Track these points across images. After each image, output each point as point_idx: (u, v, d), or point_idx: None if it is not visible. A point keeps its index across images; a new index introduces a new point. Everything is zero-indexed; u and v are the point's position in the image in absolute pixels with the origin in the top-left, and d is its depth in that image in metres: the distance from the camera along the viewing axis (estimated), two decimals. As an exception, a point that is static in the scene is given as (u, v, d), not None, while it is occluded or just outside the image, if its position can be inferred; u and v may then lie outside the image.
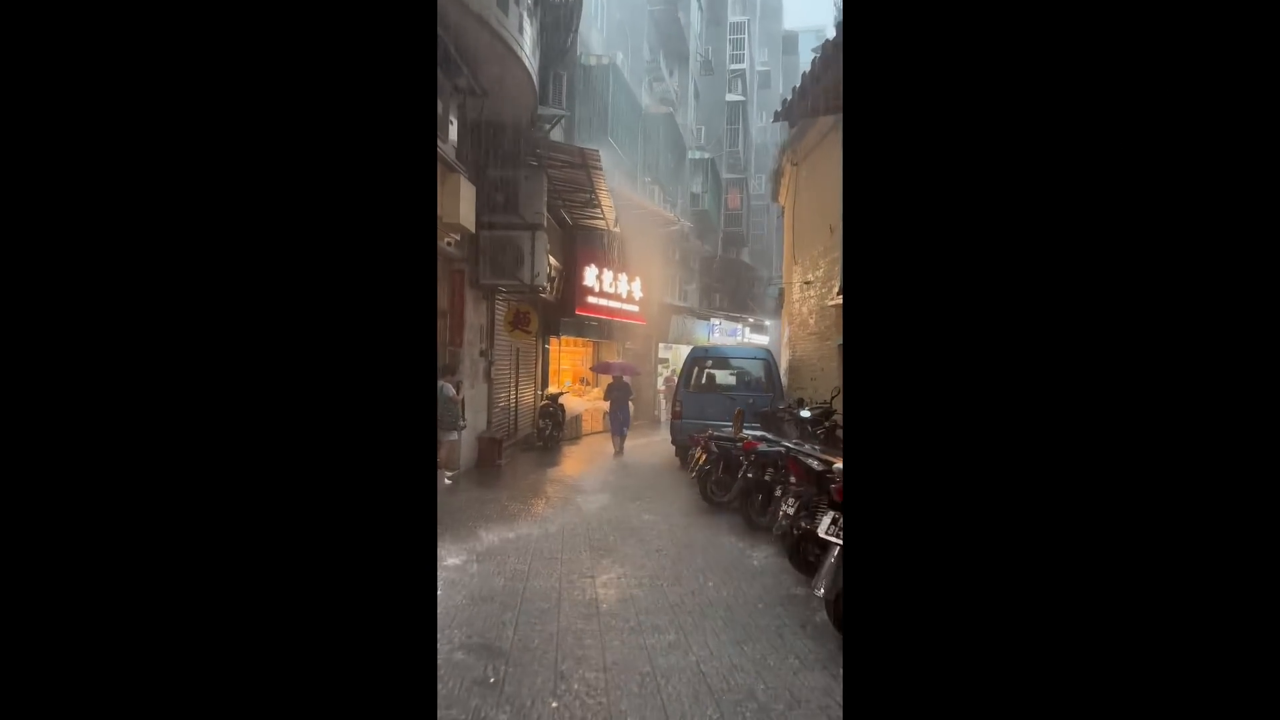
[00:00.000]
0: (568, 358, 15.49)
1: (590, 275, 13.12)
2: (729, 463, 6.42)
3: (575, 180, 9.52)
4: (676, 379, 20.02)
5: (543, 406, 11.39)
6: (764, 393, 9.45)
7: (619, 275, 14.30)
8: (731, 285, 22.63)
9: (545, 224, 8.89)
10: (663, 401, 18.03)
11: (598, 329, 14.33)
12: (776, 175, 13.90)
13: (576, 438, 12.95)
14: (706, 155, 19.69)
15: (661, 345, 18.41)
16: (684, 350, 21.13)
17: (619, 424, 10.95)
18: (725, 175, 21.86)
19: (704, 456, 6.91)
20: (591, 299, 13.33)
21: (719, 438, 6.72)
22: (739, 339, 22.45)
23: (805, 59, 31.88)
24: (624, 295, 14.68)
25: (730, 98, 22.45)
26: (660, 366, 18.60)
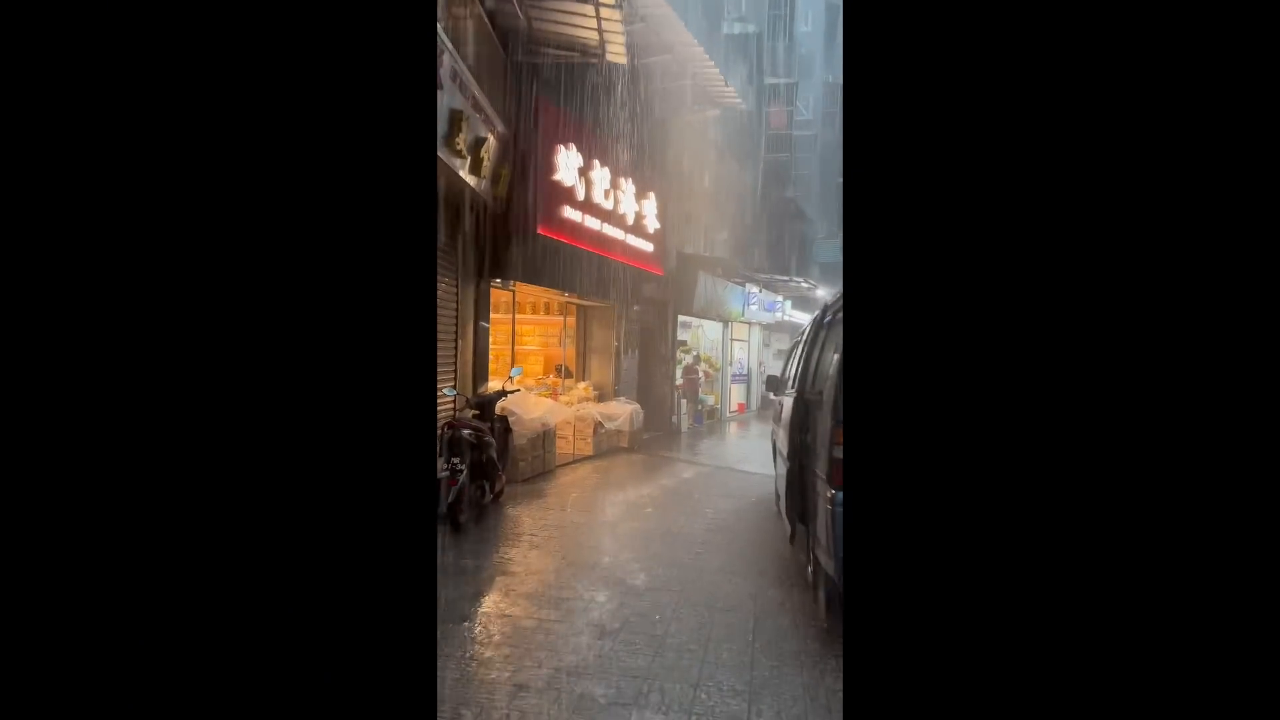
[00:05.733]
0: (532, 331, 9.05)
1: (567, 165, 6.71)
2: None
3: None
4: (701, 370, 13.76)
5: (448, 428, 5.00)
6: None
7: (620, 179, 7.89)
8: (774, 236, 16.15)
9: None
10: (684, 404, 11.78)
11: (585, 275, 7.71)
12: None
13: (544, 473, 6.65)
14: (750, 29, 13.18)
15: (681, 319, 12.00)
16: (710, 330, 14.36)
17: None
18: (769, 79, 15.34)
19: None
20: (569, 212, 6.95)
21: None
22: (777, 315, 16.01)
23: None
24: (629, 220, 8.25)
25: (774, -29, 15.89)
26: (680, 351, 12.21)
